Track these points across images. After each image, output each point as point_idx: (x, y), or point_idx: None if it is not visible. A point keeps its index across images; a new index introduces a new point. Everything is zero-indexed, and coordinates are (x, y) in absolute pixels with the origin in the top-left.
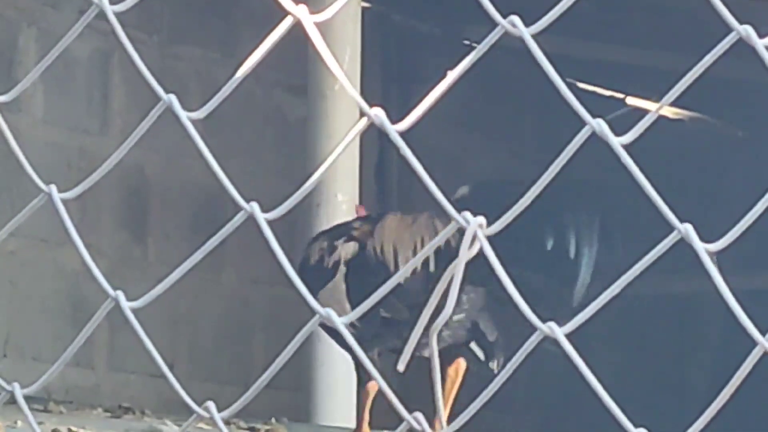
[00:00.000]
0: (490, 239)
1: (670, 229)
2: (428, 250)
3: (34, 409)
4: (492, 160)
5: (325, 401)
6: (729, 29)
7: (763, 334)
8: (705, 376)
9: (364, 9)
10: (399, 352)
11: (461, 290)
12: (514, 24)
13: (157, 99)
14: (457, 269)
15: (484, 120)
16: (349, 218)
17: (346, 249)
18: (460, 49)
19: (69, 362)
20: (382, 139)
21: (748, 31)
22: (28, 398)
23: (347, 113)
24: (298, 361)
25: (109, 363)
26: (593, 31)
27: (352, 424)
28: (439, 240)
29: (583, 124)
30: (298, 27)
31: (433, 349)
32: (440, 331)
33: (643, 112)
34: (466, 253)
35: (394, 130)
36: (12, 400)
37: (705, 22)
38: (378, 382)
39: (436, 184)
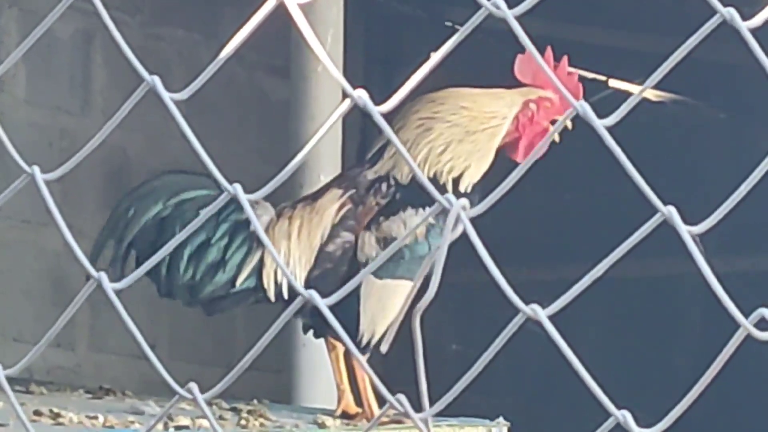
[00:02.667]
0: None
1: (654, 211)
2: (411, 231)
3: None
4: None
5: (307, 383)
6: (713, 12)
7: (746, 317)
8: (688, 358)
9: None
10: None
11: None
12: (498, 6)
13: (140, 80)
14: (440, 251)
15: None
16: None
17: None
18: (443, 31)
19: (50, 343)
20: (364, 120)
21: (731, 13)
22: (9, 379)
23: (330, 95)
24: (280, 342)
25: (90, 344)
26: (576, 13)
27: (334, 406)
28: (422, 221)
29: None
30: (281, 8)
31: (416, 331)
32: None
33: (625, 95)
34: (449, 235)
35: (377, 111)
36: None
37: (688, 4)
38: (361, 363)
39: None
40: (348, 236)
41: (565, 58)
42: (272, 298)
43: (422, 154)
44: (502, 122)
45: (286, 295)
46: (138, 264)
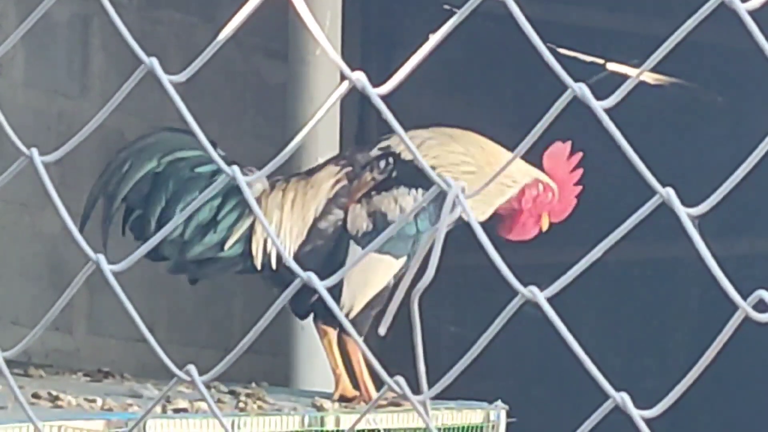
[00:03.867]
0: None
1: (652, 193)
2: (410, 214)
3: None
4: (473, 125)
5: (305, 365)
6: None
7: (744, 299)
8: (686, 340)
9: None
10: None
11: None
12: None
13: (137, 64)
14: (438, 233)
15: (465, 84)
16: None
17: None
18: (441, 14)
19: (48, 326)
20: (362, 103)
21: None
22: (8, 362)
23: (328, 78)
24: (278, 325)
25: (88, 327)
26: None
27: (332, 389)
28: (421, 203)
29: (564, 88)
30: None
31: (415, 313)
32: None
33: (622, 78)
34: (447, 217)
35: (375, 93)
36: None
37: None
38: (359, 345)
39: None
40: (340, 213)
41: (578, 157)
42: (258, 266)
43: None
44: (512, 185)
45: (274, 266)
46: (127, 219)
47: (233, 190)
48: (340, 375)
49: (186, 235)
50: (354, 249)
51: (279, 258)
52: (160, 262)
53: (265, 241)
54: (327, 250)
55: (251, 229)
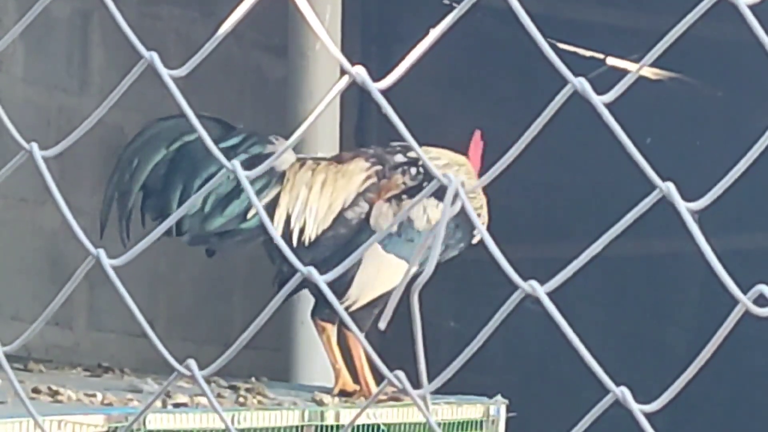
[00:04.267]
0: None
1: (652, 188)
2: (410, 209)
3: (15, 368)
4: (473, 119)
5: (305, 361)
6: None
7: (745, 294)
8: (687, 335)
9: None
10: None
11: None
12: None
13: (137, 59)
14: (439, 227)
15: (465, 79)
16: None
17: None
18: (440, 9)
19: (48, 321)
20: (362, 97)
21: None
22: (8, 357)
23: (327, 73)
24: (278, 320)
25: (88, 322)
26: None
27: (332, 383)
28: (420, 198)
29: (564, 83)
30: None
31: (415, 308)
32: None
33: (623, 73)
34: (448, 211)
35: (375, 88)
36: None
37: None
38: (359, 340)
39: (418, 142)
40: (365, 207)
41: (478, 137)
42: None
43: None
44: (459, 167)
45: (294, 242)
46: (144, 213)
47: (257, 161)
48: (339, 370)
49: (206, 207)
50: (373, 246)
51: (300, 235)
52: (179, 236)
53: (288, 216)
54: (346, 240)
55: (275, 201)
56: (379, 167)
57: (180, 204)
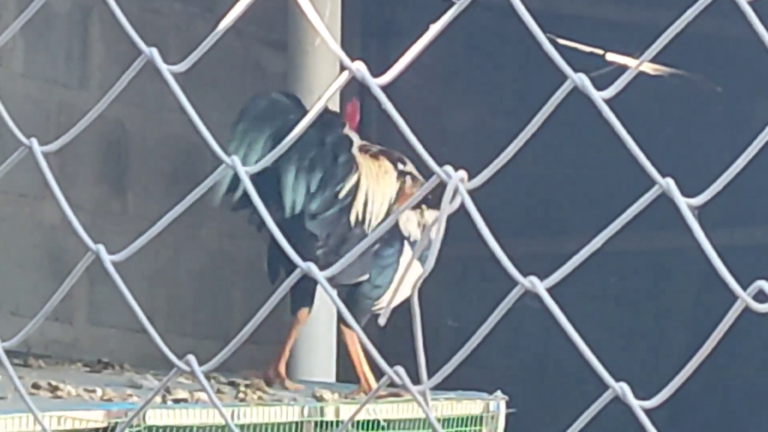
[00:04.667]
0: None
1: (652, 183)
2: (409, 204)
3: (14, 364)
4: (473, 115)
5: (305, 356)
6: None
7: (744, 289)
8: (686, 331)
9: None
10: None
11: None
12: None
13: (137, 54)
14: (439, 223)
15: (465, 74)
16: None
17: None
18: (440, 4)
19: (48, 317)
20: (362, 93)
21: None
22: (7, 352)
23: (327, 68)
24: (277, 315)
25: (88, 318)
26: None
27: (332, 379)
28: (420, 194)
29: (564, 78)
30: None
31: (415, 304)
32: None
33: (623, 69)
34: (448, 207)
35: (375, 83)
36: None
37: None
38: (359, 336)
39: (417, 137)
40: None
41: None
42: (352, 224)
43: None
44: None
45: (367, 230)
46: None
47: (344, 143)
48: (363, 374)
49: (311, 188)
50: (406, 249)
51: (369, 222)
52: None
53: (365, 204)
54: (390, 234)
55: (357, 184)
56: (401, 169)
57: (281, 191)
